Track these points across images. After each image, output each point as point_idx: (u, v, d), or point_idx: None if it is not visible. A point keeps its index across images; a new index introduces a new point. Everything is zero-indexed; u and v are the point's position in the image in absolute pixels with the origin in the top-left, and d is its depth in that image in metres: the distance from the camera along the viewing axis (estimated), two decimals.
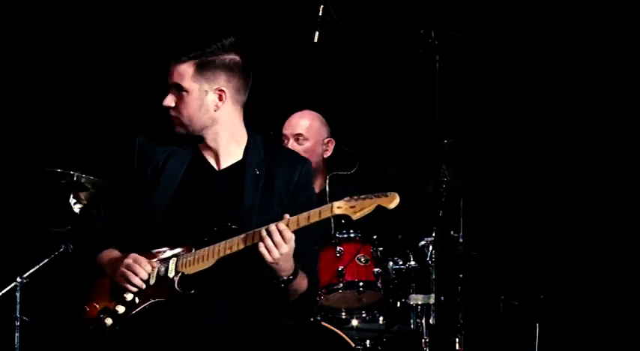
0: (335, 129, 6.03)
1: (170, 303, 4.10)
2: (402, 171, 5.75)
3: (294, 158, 4.36)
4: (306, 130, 5.88)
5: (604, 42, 6.44)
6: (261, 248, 3.95)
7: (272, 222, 4.01)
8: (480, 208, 6.18)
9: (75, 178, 5.98)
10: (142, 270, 4.09)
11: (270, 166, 4.26)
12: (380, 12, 6.25)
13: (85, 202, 6.07)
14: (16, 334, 6.00)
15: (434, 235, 5.43)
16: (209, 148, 4.28)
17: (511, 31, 6.48)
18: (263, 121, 6.31)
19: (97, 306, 4.17)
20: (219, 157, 4.28)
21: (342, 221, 5.14)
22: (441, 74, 5.01)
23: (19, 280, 6.01)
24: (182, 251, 4.15)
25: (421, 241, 5.60)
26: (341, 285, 5.23)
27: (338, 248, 5.28)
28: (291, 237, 3.95)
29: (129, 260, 4.11)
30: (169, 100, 4.22)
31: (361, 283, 5.26)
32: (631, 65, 6.41)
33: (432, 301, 5.39)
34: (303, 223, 3.97)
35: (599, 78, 6.47)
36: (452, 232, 5.67)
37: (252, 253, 4.00)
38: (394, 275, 5.38)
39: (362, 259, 5.29)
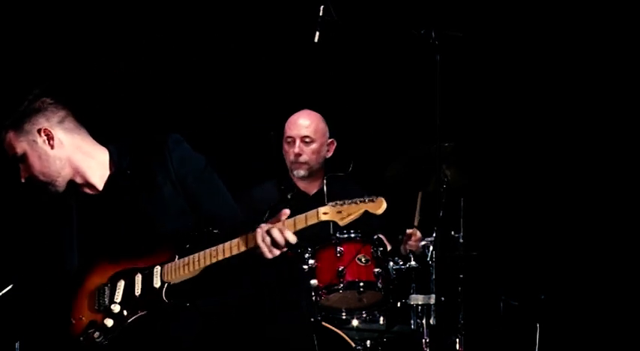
0: (335, 129, 6.02)
1: (156, 314, 4.09)
2: (402, 171, 5.74)
3: (157, 142, 4.37)
4: (313, 132, 5.88)
5: (603, 42, 6.44)
6: (264, 248, 3.94)
7: (166, 200, 4.15)
8: (481, 209, 6.18)
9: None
10: None
11: (141, 160, 4.33)
12: (380, 12, 6.25)
13: None
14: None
15: (434, 235, 5.43)
16: (81, 183, 4.36)
17: (512, 31, 6.48)
18: (263, 121, 6.36)
19: (83, 318, 4.18)
20: (92, 183, 4.36)
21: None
22: (442, 74, 5.01)
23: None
24: (165, 259, 4.14)
25: (421, 241, 5.60)
26: (341, 285, 5.21)
27: (338, 248, 5.27)
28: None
29: None
30: (22, 174, 4.34)
31: (362, 284, 5.24)
32: (631, 65, 6.41)
33: (432, 301, 5.38)
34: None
35: (598, 78, 6.47)
36: (452, 233, 5.66)
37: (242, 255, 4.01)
38: (394, 275, 5.37)
39: (362, 260, 5.28)
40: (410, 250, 5.54)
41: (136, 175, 4.30)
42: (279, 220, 3.96)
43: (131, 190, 4.28)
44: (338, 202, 3.90)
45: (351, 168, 5.93)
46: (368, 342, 5.31)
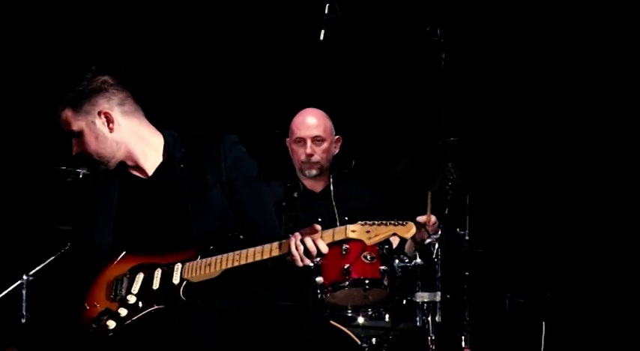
0: (338, 126, 6.02)
1: (172, 310, 4.09)
2: (407, 168, 5.74)
3: (213, 138, 4.38)
4: (323, 131, 5.88)
5: (609, 38, 6.43)
6: (296, 256, 3.98)
7: (213, 201, 4.14)
8: (486, 206, 6.17)
9: (80, 176, 5.98)
10: None
11: (195, 155, 4.32)
12: (385, 10, 6.25)
13: None
14: None
15: (440, 232, 5.43)
16: (131, 165, 4.35)
17: (516, 28, 6.47)
18: (267, 119, 6.36)
19: (98, 305, 4.18)
20: (143, 167, 4.35)
21: (346, 218, 5.18)
22: (447, 71, 5.01)
23: (25, 277, 6.02)
24: (187, 258, 4.15)
25: (427, 239, 5.60)
26: (347, 283, 5.20)
27: (344, 246, 5.25)
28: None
29: None
30: (74, 148, 4.31)
31: (367, 281, 5.23)
32: (635, 61, 6.41)
33: (437, 298, 5.38)
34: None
35: (605, 74, 6.46)
36: (458, 230, 5.66)
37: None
38: (400, 273, 5.36)
39: (368, 257, 5.27)
40: (423, 239, 5.51)
41: (187, 170, 4.29)
42: (312, 231, 3.99)
43: (179, 184, 4.27)
44: (368, 221, 3.97)
45: (353, 165, 5.94)
46: (373, 339, 5.31)
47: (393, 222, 3.94)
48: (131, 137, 4.31)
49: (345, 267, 5.21)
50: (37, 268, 5.98)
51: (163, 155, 4.35)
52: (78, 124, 4.25)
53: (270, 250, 4.03)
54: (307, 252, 3.96)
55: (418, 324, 5.41)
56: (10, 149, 6.78)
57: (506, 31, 6.47)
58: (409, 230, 3.93)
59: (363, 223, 3.96)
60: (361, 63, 6.66)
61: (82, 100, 4.25)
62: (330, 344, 4.96)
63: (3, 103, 6.79)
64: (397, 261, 5.38)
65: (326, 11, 5.17)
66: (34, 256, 6.08)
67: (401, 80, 6.65)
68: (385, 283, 5.26)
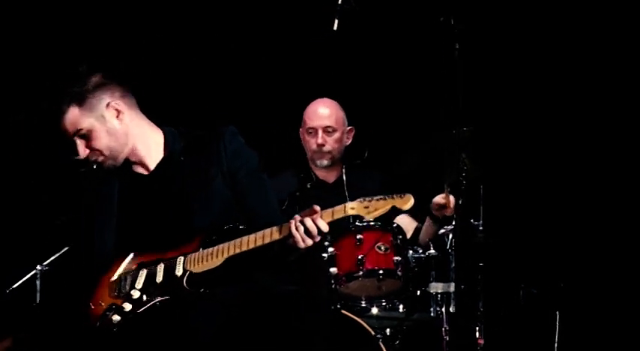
0: (350, 116, 6.01)
1: (177, 301, 4.10)
2: (417, 161, 5.73)
3: (213, 134, 4.37)
4: (334, 122, 5.89)
5: (634, 28, 6.39)
6: (297, 237, 3.99)
7: (215, 194, 4.16)
8: (500, 196, 6.16)
9: (95, 166, 5.97)
10: None
11: (195, 149, 4.32)
12: None
13: None
14: None
15: (453, 223, 5.42)
16: (134, 161, 4.35)
17: (532, 16, 6.45)
18: (278, 108, 6.37)
19: (103, 304, 4.19)
20: (145, 163, 4.35)
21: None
22: (461, 62, 5.00)
23: (39, 268, 6.04)
24: (189, 251, 4.16)
25: (440, 229, 5.59)
26: (361, 273, 5.21)
27: (358, 236, 5.26)
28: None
29: None
30: (82, 150, 4.28)
31: (381, 272, 5.23)
32: None
33: (451, 289, 5.38)
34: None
35: (625, 65, 6.43)
36: (471, 220, 5.65)
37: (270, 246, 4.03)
38: (414, 263, 5.36)
39: (382, 248, 5.27)
40: (445, 216, 5.49)
41: (188, 164, 4.29)
42: (311, 212, 4.00)
43: (181, 179, 4.28)
44: (366, 197, 3.96)
45: (366, 155, 5.94)
46: (387, 330, 5.31)
47: (391, 196, 3.96)
48: (136, 130, 4.31)
49: (359, 257, 5.21)
50: (52, 258, 5.99)
51: (164, 150, 4.35)
52: (87, 121, 4.24)
53: (270, 234, 4.04)
54: (308, 231, 3.97)
55: (432, 315, 5.41)
56: (29, 140, 6.79)
57: (521, 19, 6.44)
58: (407, 202, 3.94)
59: (361, 199, 3.98)
60: (375, 53, 6.65)
61: (85, 95, 4.23)
62: (344, 335, 4.98)
63: (3, 104, 6.80)
64: (411, 252, 5.38)
65: (339, 1, 5.15)
66: (48, 246, 6.09)
67: (414, 70, 6.64)
68: (399, 273, 5.26)
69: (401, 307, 5.38)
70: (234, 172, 4.26)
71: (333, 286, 5.20)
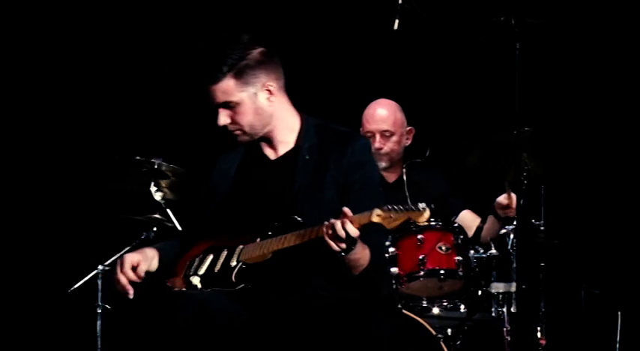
0: (412, 115, 6.00)
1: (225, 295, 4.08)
2: (480, 160, 5.71)
3: (346, 136, 4.31)
4: (392, 125, 5.86)
5: None
6: (327, 240, 3.94)
7: (325, 203, 4.10)
8: (561, 196, 6.12)
9: (156, 166, 6.01)
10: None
11: (323, 148, 4.25)
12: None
13: (165, 189, 6.12)
14: (98, 322, 6.09)
15: (515, 223, 5.40)
16: (266, 140, 4.30)
17: (594, 16, 6.40)
18: (341, 108, 6.37)
19: (177, 282, 4.21)
20: (275, 146, 4.31)
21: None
22: (521, 61, 4.98)
23: (100, 267, 6.09)
24: (247, 241, 4.16)
25: (502, 229, 5.57)
26: (422, 273, 5.21)
27: (419, 236, 5.26)
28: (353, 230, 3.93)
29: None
30: (224, 119, 4.21)
31: (442, 272, 5.23)
32: None
33: (513, 289, 5.35)
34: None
35: None
36: (533, 220, 5.62)
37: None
38: (475, 263, 5.35)
39: (443, 248, 5.26)
40: (508, 217, 5.47)
41: (311, 164, 4.22)
42: (343, 216, 3.94)
43: (298, 178, 4.22)
44: (389, 206, 3.92)
45: (428, 153, 5.93)
46: (449, 330, 5.29)
47: (408, 207, 3.90)
48: (280, 114, 4.25)
49: (421, 257, 5.21)
50: (113, 259, 6.02)
51: (296, 140, 4.28)
52: (239, 95, 4.17)
53: (309, 233, 4.01)
54: (336, 235, 3.92)
55: (493, 315, 5.39)
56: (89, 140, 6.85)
57: (583, 19, 6.40)
58: (422, 215, 3.89)
59: (388, 208, 3.91)
60: (435, 53, 6.64)
61: (245, 69, 4.16)
62: (405, 334, 4.98)
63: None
64: (472, 252, 5.37)
65: (400, 1, 5.15)
66: (109, 246, 6.14)
67: (474, 69, 6.62)
68: (460, 273, 5.25)
69: (462, 307, 5.36)
70: (351, 183, 4.19)
71: (394, 287, 5.20)
